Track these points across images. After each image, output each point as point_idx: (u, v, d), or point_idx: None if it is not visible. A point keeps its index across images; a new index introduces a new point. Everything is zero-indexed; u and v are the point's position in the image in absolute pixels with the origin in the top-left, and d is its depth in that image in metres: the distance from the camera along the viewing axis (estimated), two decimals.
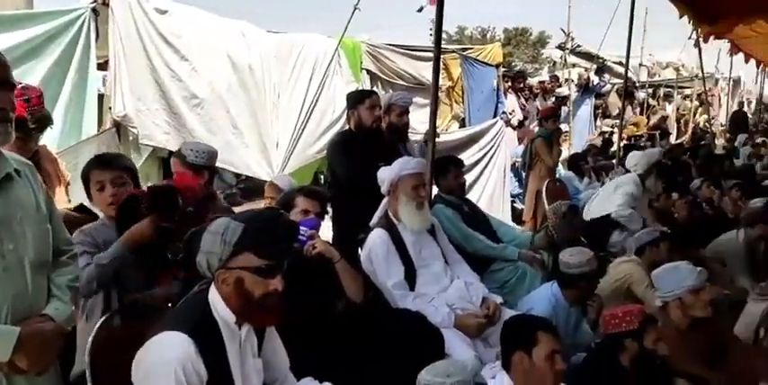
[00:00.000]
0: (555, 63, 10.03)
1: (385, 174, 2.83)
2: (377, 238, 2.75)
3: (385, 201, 2.90)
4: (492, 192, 6.45)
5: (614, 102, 9.94)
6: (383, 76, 5.64)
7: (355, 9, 4.32)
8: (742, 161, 8.98)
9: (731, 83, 15.61)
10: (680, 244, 3.68)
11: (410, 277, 2.71)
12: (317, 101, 4.60)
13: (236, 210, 2.91)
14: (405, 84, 5.76)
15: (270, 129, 4.43)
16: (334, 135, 3.87)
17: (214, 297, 1.55)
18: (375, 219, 2.91)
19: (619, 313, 2.29)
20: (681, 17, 7.81)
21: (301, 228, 2.28)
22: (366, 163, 3.16)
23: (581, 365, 2.37)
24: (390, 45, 5.75)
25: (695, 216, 4.94)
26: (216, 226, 1.52)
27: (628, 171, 4.93)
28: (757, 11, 7.91)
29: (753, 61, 12.71)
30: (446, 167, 3.48)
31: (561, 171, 7.46)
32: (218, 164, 3.92)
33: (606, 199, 4.51)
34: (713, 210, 5.34)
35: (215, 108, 4.10)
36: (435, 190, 3.75)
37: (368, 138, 3.39)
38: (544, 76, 10.74)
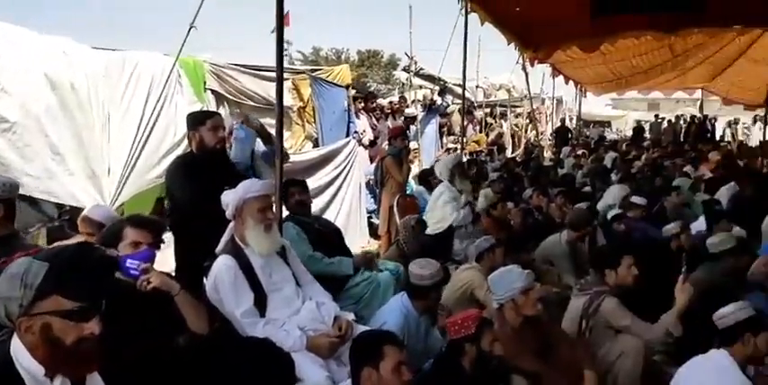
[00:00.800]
0: (404, 84, 10.59)
1: (229, 198, 2.74)
2: (222, 265, 2.64)
3: (231, 225, 2.80)
4: (349, 208, 6.58)
5: (457, 120, 10.73)
6: (230, 97, 5.50)
7: (191, 28, 4.17)
8: (566, 171, 10.16)
9: (555, 102, 17.70)
10: (513, 249, 4.04)
11: (260, 303, 2.64)
12: (155, 122, 4.33)
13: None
14: (254, 104, 5.67)
15: (100, 154, 4.06)
16: (174, 158, 3.67)
17: (17, 348, 1.35)
18: (221, 245, 2.79)
19: (458, 320, 2.43)
20: (509, 44, 8.74)
21: (131, 261, 2.12)
22: (209, 186, 3.03)
23: (427, 372, 2.48)
24: (236, 65, 5.63)
25: (527, 222, 5.48)
26: (14, 267, 1.34)
27: None
28: (570, 40, 9.12)
29: (571, 82, 14.65)
30: (286, 190, 3.48)
31: (413, 186, 7.85)
32: (36, 194, 3.49)
33: (436, 210, 4.86)
34: (543, 216, 5.97)
35: (30, 132, 3.64)
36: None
37: (211, 160, 3.26)
38: (396, 96, 11.29)
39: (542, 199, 6.11)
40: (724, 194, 7.39)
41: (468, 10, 6.82)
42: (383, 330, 2.25)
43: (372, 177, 6.54)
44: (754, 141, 15.10)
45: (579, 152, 11.87)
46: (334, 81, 6.75)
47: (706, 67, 13.77)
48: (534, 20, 8.08)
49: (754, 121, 16.60)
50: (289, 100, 6.21)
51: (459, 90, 10.01)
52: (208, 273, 2.72)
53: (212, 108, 5.12)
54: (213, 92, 5.35)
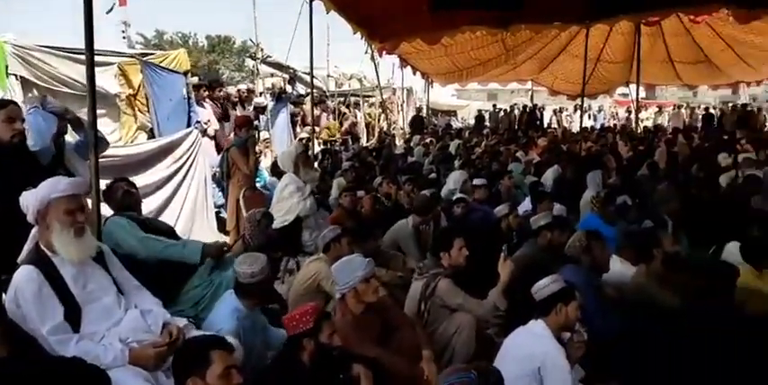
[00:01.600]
0: (253, 72, 10.21)
1: (29, 200, 2.38)
2: (23, 277, 2.30)
3: (34, 231, 2.45)
4: (194, 204, 6.19)
5: (310, 110, 10.63)
6: (40, 83, 4.82)
7: None
8: (416, 159, 10.61)
9: (405, 92, 18.36)
10: (362, 237, 4.08)
11: (73, 316, 2.34)
12: None
13: None
14: (72, 91, 5.04)
15: None
16: None
17: None
18: (23, 254, 2.44)
19: (296, 315, 2.39)
20: (354, 33, 8.81)
21: None
22: (6, 186, 2.62)
23: (266, 369, 2.41)
24: (46, 47, 4.94)
25: (377, 210, 5.60)
26: None
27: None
28: (413, 32, 9.42)
29: (419, 73, 15.28)
30: (110, 186, 3.16)
31: (266, 177, 7.63)
32: None
33: (282, 202, 4.79)
34: (392, 203, 6.15)
35: None
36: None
37: (6, 156, 2.82)
38: (247, 84, 10.85)
39: (391, 186, 6.28)
40: (549, 176, 8.23)
41: None
42: (209, 335, 2.11)
43: (219, 170, 6.21)
44: (576, 127, 17.06)
45: (428, 140, 12.46)
46: (171, 67, 6.26)
47: (534, 62, 15.24)
48: (378, 12, 8.25)
49: (575, 110, 18.76)
50: (116, 87, 5.63)
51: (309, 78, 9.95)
52: (7, 288, 2.36)
53: (18, 96, 4.45)
54: (18, 77, 4.65)
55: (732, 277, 2.91)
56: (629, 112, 20.23)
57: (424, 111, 17.32)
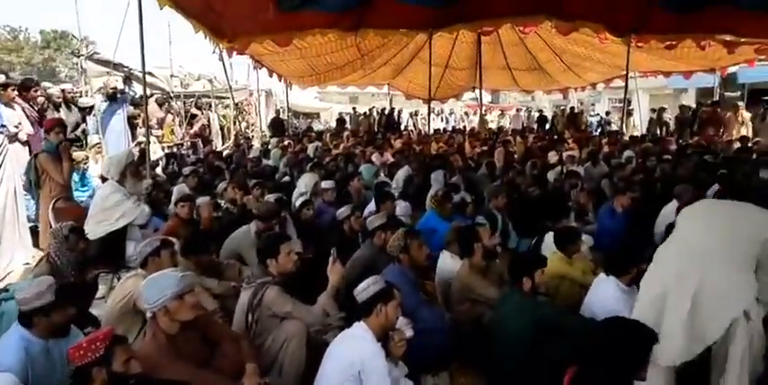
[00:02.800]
0: (84, 70, 9.20)
1: None
2: None
3: None
4: (1, 217, 5.39)
5: (153, 111, 9.88)
6: None
7: None
8: (272, 162, 10.36)
9: (264, 94, 17.90)
10: (193, 249, 3.79)
11: None
12: None
13: None
14: None
15: None
16: None
17: None
18: None
19: (83, 343, 2.11)
20: (196, 32, 8.30)
21: None
22: None
23: None
24: None
25: (218, 218, 5.31)
26: None
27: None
28: (262, 33, 9.10)
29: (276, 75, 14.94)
30: None
31: (94, 186, 6.90)
32: None
33: (104, 212, 4.35)
34: (238, 209, 5.88)
35: None
36: None
37: None
38: (81, 84, 9.76)
39: (237, 192, 6.01)
40: (400, 176, 8.47)
41: None
42: None
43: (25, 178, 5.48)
44: (430, 129, 17.88)
45: (286, 142, 12.24)
46: None
47: (389, 67, 15.70)
48: (222, 9, 7.86)
49: (429, 113, 19.66)
50: None
51: (149, 78, 9.22)
52: None
53: None
54: None
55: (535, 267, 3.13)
56: (476, 115, 21.73)
57: (283, 113, 17.02)
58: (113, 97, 7.85)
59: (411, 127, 20.20)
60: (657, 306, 2.59)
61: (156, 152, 8.42)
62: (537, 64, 15.14)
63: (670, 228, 3.64)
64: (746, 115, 11.82)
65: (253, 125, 15.82)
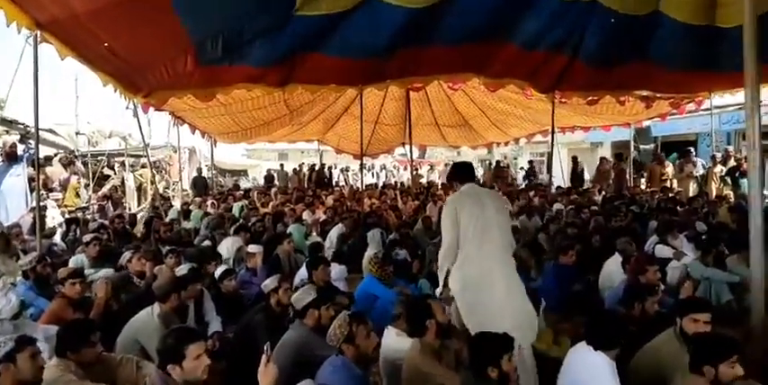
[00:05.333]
0: None
1: None
2: None
3: None
4: None
5: (56, 172, 8.92)
6: None
7: None
8: (193, 224, 9.53)
9: (186, 151, 17.08)
10: (72, 344, 3.01)
11: None
12: None
13: None
14: None
15: None
16: None
17: None
18: None
19: None
20: (104, 85, 7.63)
21: None
22: None
23: None
24: None
25: (117, 297, 4.52)
26: None
27: None
28: (181, 87, 8.53)
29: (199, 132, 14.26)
30: None
31: None
32: None
33: None
34: (145, 285, 5.02)
35: None
36: None
37: None
38: None
39: (145, 262, 5.20)
40: (334, 235, 7.96)
41: (39, 39, 5.59)
42: None
43: None
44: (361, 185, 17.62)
45: (209, 202, 11.47)
46: None
47: (319, 122, 15.48)
48: (135, 62, 7.30)
49: (360, 168, 19.49)
50: None
51: (51, 136, 8.37)
52: None
53: None
54: None
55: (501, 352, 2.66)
56: (406, 170, 21.85)
57: (205, 170, 16.22)
58: (11, 156, 6.94)
59: (342, 183, 19.88)
60: None
61: (54, 217, 7.46)
62: (463, 120, 15.46)
63: None
64: (670, 168, 12.39)
65: (175, 184, 14.88)
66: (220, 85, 8.26)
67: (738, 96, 10.34)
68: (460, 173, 3.96)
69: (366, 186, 13.28)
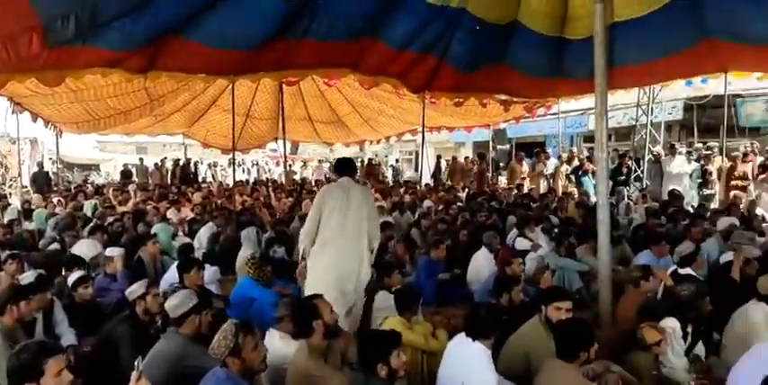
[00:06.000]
0: None
1: None
2: None
3: None
4: None
5: None
6: None
7: None
8: (36, 225, 8.47)
9: (27, 142, 15.10)
10: None
11: None
12: None
13: None
14: None
15: None
16: None
17: None
18: None
19: None
20: None
21: None
22: None
23: None
24: None
25: None
26: None
27: None
28: (24, 70, 7.47)
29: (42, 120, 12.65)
30: None
31: None
32: None
33: None
34: None
35: None
36: None
37: None
38: None
39: None
40: (204, 234, 7.53)
41: None
42: None
43: None
44: (230, 181, 16.91)
45: (55, 200, 10.25)
46: None
47: (184, 114, 14.54)
48: None
49: (230, 164, 18.68)
50: None
51: None
52: None
53: None
54: None
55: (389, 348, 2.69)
56: (278, 166, 21.46)
57: (49, 164, 14.49)
58: None
59: (210, 179, 18.92)
60: None
61: None
62: (337, 117, 15.51)
63: None
64: (526, 167, 13.51)
65: (13, 179, 13.08)
66: (71, 69, 7.40)
67: (581, 102, 11.60)
68: (339, 167, 4.64)
69: (236, 182, 12.70)
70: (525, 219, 7.43)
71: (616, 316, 4.22)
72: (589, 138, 16.87)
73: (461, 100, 9.88)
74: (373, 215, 4.45)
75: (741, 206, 7.99)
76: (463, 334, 3.04)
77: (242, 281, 4.83)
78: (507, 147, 19.26)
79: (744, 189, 9.23)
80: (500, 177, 16.04)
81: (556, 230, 6.68)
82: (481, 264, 5.95)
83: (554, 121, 13.87)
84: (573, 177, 12.54)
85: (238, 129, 14.18)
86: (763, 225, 6.83)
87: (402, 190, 12.74)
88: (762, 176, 9.12)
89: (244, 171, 21.72)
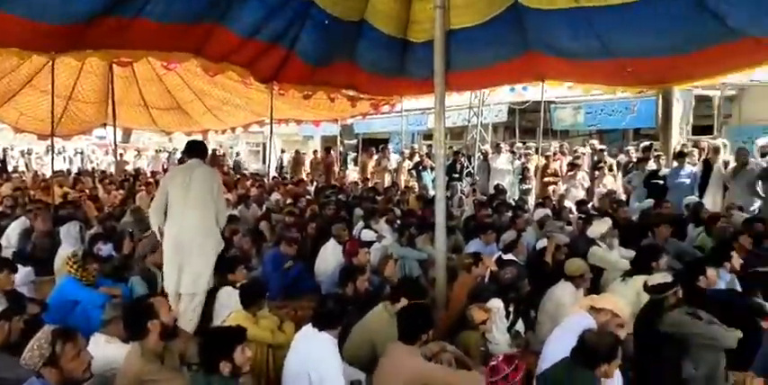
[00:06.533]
0: None
1: None
2: None
3: None
4: None
5: None
6: None
7: None
8: None
9: None
10: None
11: None
12: None
13: None
14: None
15: None
16: None
17: None
18: None
19: None
20: None
21: None
22: None
23: None
24: None
25: None
26: None
27: None
28: None
29: None
30: None
31: None
32: None
33: None
34: None
35: None
36: None
37: None
38: None
39: None
40: (15, 231, 6.62)
41: None
42: None
43: None
44: (48, 171, 14.94)
45: None
46: None
47: None
48: None
49: (47, 151, 16.50)
50: None
51: None
52: None
53: None
54: None
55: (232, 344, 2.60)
56: (107, 155, 19.54)
57: None
58: None
59: (23, 168, 16.53)
60: None
61: None
62: (177, 104, 14.50)
63: None
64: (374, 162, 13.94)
65: None
66: None
67: (421, 102, 12.31)
68: (189, 148, 4.84)
69: (55, 172, 11.22)
70: (371, 211, 7.69)
71: (450, 299, 4.58)
72: (428, 135, 17.96)
73: (310, 93, 9.90)
74: (219, 193, 4.71)
75: (553, 199, 9.14)
76: (310, 325, 3.06)
77: (62, 282, 4.31)
78: (354, 141, 19.73)
79: (555, 184, 10.56)
80: (347, 171, 16.37)
81: (398, 222, 7.01)
82: (329, 256, 6.03)
83: (398, 119, 14.52)
84: (414, 172, 13.26)
85: (59, 112, 12.54)
86: (571, 216, 7.88)
87: (249, 182, 12.36)
88: (570, 173, 10.50)
89: (65, 160, 19.30)
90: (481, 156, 12.59)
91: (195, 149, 4.78)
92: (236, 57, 7.92)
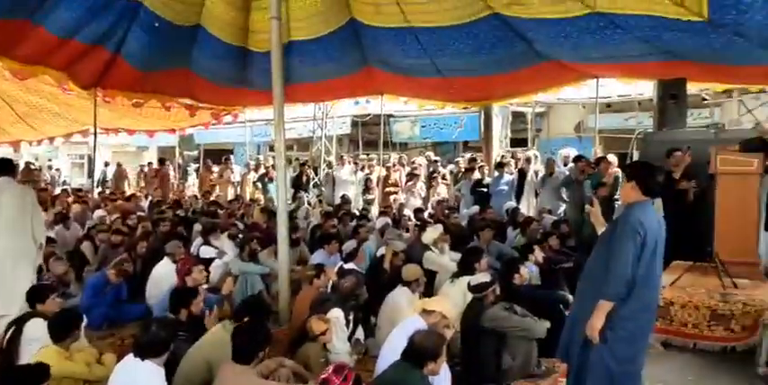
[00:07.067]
0: None
1: None
2: None
3: None
4: None
5: None
6: None
7: None
8: None
9: None
10: None
11: None
12: None
13: None
14: None
15: None
16: None
17: None
18: None
19: None
20: None
21: None
22: None
23: None
24: None
25: None
26: None
27: None
28: None
29: None
30: None
31: None
32: None
33: None
34: None
35: None
36: None
37: None
38: None
39: None
40: None
41: None
42: None
43: None
44: None
45: None
46: None
47: None
48: None
49: None
50: None
51: None
52: None
53: None
54: None
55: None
56: None
57: None
58: None
59: None
60: None
61: None
62: None
63: None
64: (215, 175, 13.30)
65: None
66: None
67: (265, 112, 12.12)
68: None
69: None
70: (211, 226, 7.32)
71: (293, 312, 4.53)
72: (273, 147, 17.68)
73: (141, 101, 9.21)
74: (36, 213, 4.51)
75: (394, 208, 9.55)
76: (131, 355, 2.81)
77: None
78: (195, 152, 18.71)
79: (396, 193, 11.06)
80: (187, 184, 15.47)
81: (240, 236, 6.78)
82: (161, 277, 5.60)
83: (242, 129, 14.11)
84: (259, 184, 12.96)
85: None
86: (409, 223, 8.30)
87: (70, 199, 11.03)
88: (409, 183, 11.07)
89: None
90: (326, 168, 12.74)
91: (1, 167, 4.46)
92: (52, 59, 7.11)
